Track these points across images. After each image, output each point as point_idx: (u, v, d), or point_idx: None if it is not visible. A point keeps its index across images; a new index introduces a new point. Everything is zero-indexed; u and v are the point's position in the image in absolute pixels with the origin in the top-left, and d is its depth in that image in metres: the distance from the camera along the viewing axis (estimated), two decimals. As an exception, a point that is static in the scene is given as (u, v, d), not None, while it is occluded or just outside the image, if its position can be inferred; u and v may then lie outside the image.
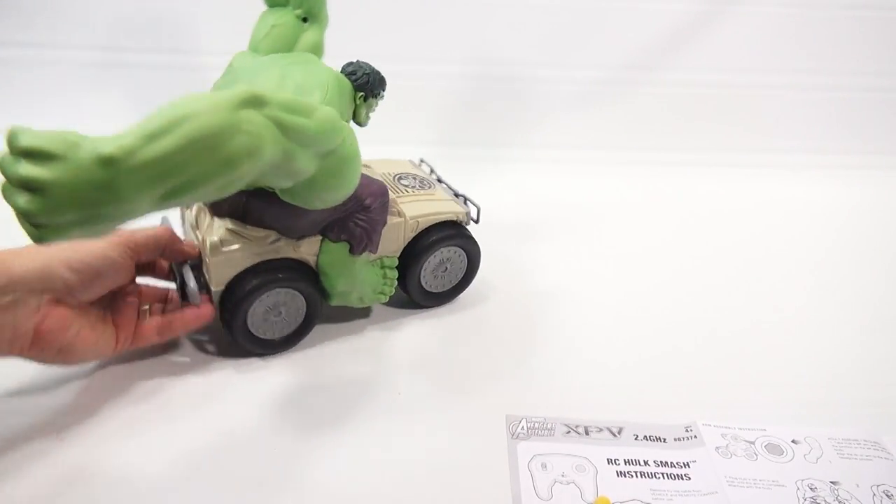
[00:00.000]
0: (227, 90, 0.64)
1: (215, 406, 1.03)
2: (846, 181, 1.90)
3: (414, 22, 1.85)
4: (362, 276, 1.14)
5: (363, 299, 1.16)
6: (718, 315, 1.32)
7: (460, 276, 1.27)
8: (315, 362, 1.12)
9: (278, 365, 1.12)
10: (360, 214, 1.06)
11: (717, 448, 1.00)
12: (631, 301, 1.36)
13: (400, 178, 1.26)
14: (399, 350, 1.18)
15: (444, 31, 1.79)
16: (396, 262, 1.18)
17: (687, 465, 0.98)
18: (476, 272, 1.27)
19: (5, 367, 0.92)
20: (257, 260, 1.05)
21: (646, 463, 0.98)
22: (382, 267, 1.18)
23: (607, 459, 0.97)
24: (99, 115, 1.81)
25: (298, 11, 1.13)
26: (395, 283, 1.18)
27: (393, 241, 1.16)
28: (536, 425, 1.03)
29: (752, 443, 1.01)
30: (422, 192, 1.23)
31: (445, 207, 1.20)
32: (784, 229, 1.68)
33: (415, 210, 1.17)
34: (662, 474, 0.96)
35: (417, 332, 1.22)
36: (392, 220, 1.14)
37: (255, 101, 0.65)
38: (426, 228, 1.18)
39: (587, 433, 1.02)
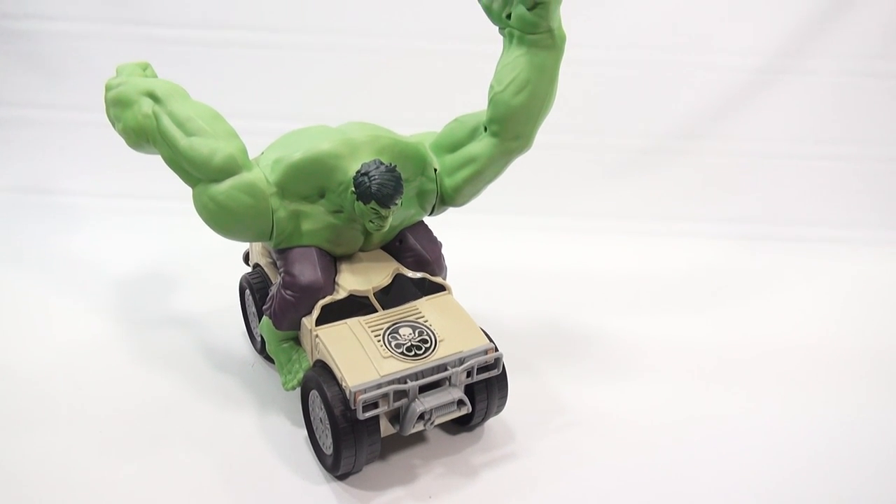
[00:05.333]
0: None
1: None
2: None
3: (432, 85, 1.83)
4: (274, 347, 1.12)
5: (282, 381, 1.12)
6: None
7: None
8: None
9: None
10: (281, 280, 1.08)
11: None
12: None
13: (394, 330, 1.03)
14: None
15: (448, 96, 1.65)
16: (308, 365, 1.08)
17: None
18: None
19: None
20: None
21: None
22: (295, 355, 1.11)
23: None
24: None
25: (486, 119, 1.11)
26: (298, 380, 1.08)
27: (307, 344, 1.08)
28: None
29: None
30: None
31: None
32: (834, 312, 1.54)
33: (356, 378, 0.96)
34: None
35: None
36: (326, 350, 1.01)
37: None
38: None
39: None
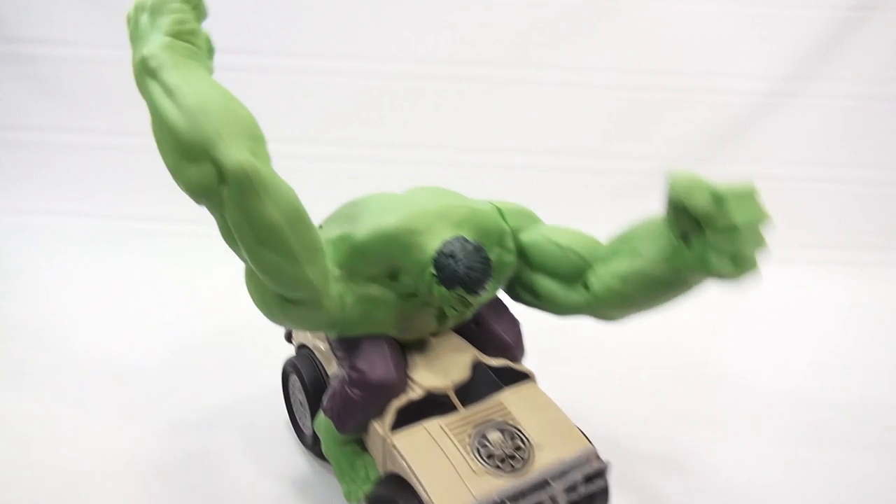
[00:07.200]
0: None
1: None
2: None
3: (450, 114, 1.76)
4: (335, 450, 0.97)
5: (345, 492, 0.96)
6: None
7: None
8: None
9: None
10: (345, 376, 0.92)
11: None
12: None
13: (481, 435, 0.89)
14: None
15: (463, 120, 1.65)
16: (378, 475, 0.93)
17: None
18: None
19: None
20: None
21: None
22: (360, 461, 0.95)
23: None
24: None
25: (591, 275, 0.97)
26: (365, 492, 0.93)
27: (377, 452, 0.93)
28: None
29: None
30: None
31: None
32: (840, 333, 1.51)
33: (448, 501, 0.81)
34: None
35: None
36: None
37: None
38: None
39: None
